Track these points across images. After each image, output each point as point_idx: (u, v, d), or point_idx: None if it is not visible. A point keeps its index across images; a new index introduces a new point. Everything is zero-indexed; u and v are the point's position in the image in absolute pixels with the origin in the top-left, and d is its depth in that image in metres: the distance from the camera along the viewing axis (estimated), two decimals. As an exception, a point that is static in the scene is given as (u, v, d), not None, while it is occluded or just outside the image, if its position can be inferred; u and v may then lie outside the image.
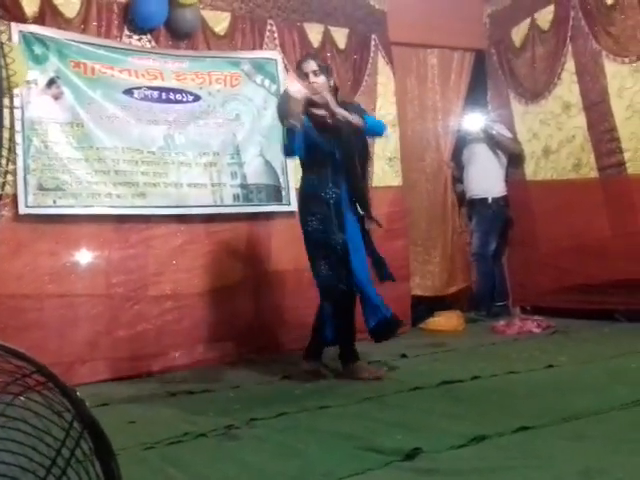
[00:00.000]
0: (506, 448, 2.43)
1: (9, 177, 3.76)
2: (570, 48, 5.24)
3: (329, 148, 3.53)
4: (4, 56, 1.21)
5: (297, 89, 3.35)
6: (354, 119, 3.45)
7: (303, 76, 3.49)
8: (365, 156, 3.76)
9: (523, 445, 2.45)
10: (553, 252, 5.30)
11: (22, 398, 1.17)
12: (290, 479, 2.31)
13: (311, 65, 3.53)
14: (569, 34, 5.24)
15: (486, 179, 5.49)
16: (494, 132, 5.45)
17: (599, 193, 5.03)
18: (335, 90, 3.63)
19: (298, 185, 4.00)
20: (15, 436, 1.11)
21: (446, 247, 5.68)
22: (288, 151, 3.63)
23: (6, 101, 1.19)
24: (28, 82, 3.93)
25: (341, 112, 3.43)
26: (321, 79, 3.51)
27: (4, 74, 1.20)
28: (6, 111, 1.26)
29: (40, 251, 3.93)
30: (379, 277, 3.66)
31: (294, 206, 4.39)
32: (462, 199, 5.81)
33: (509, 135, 5.57)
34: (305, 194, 3.66)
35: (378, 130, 3.67)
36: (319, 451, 2.56)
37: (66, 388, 1.19)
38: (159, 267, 4.29)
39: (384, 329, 3.66)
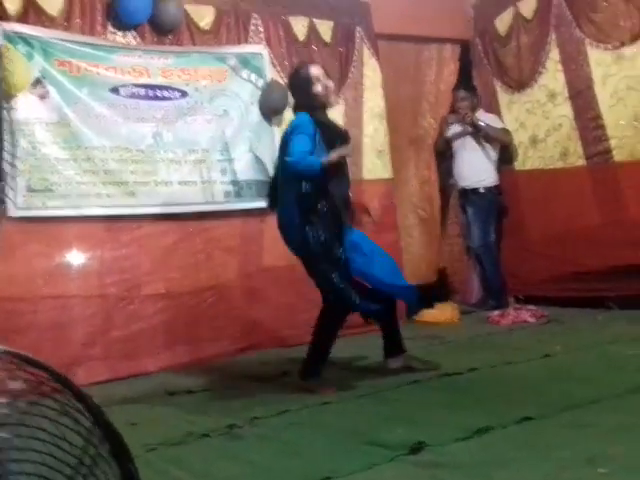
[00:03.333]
0: (511, 439, 2.45)
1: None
2: (554, 36, 5.25)
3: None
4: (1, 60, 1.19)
5: None
6: None
7: (314, 79, 3.39)
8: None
9: (527, 436, 2.48)
10: (544, 241, 5.32)
11: (23, 405, 1.15)
12: (297, 477, 2.31)
13: (320, 69, 3.48)
14: (553, 22, 5.26)
15: (477, 169, 5.46)
16: (482, 124, 5.44)
17: (587, 181, 5.08)
18: None
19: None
20: (33, 444, 1.10)
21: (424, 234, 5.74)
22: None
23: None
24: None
25: None
26: (331, 83, 3.47)
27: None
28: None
29: (32, 253, 3.88)
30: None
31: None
32: (451, 190, 5.80)
33: (500, 125, 5.54)
34: (303, 207, 3.37)
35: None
36: (324, 448, 2.57)
37: (82, 394, 1.18)
38: (152, 266, 4.26)
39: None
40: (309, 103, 3.41)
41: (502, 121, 5.59)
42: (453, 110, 5.64)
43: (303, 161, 3.23)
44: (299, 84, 3.48)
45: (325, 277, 3.36)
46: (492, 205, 5.48)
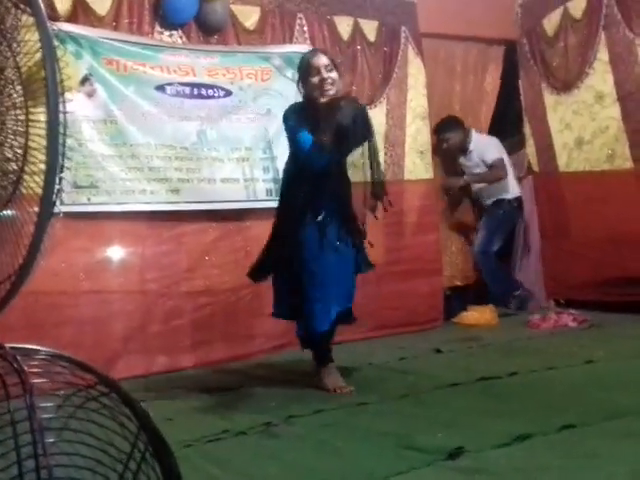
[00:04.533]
0: (552, 447, 2.41)
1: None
2: (603, 37, 5.15)
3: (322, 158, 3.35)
4: (57, 59, 1.21)
5: None
6: None
7: (314, 71, 3.33)
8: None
9: (569, 444, 2.43)
10: (587, 244, 5.21)
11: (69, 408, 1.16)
12: (333, 478, 2.31)
13: (322, 59, 3.35)
14: (602, 23, 5.15)
15: (489, 189, 5.47)
16: (472, 181, 5.49)
17: (634, 184, 4.96)
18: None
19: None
20: (79, 448, 1.12)
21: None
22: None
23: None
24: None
25: None
26: (334, 74, 3.34)
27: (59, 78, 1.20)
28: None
29: (75, 248, 3.92)
30: None
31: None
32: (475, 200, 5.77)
33: (492, 154, 5.40)
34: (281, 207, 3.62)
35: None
36: (360, 449, 2.56)
37: (129, 398, 1.20)
38: (192, 263, 4.29)
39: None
40: (305, 91, 3.44)
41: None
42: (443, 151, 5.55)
43: None
44: (299, 70, 3.49)
45: None
46: (506, 217, 5.44)
